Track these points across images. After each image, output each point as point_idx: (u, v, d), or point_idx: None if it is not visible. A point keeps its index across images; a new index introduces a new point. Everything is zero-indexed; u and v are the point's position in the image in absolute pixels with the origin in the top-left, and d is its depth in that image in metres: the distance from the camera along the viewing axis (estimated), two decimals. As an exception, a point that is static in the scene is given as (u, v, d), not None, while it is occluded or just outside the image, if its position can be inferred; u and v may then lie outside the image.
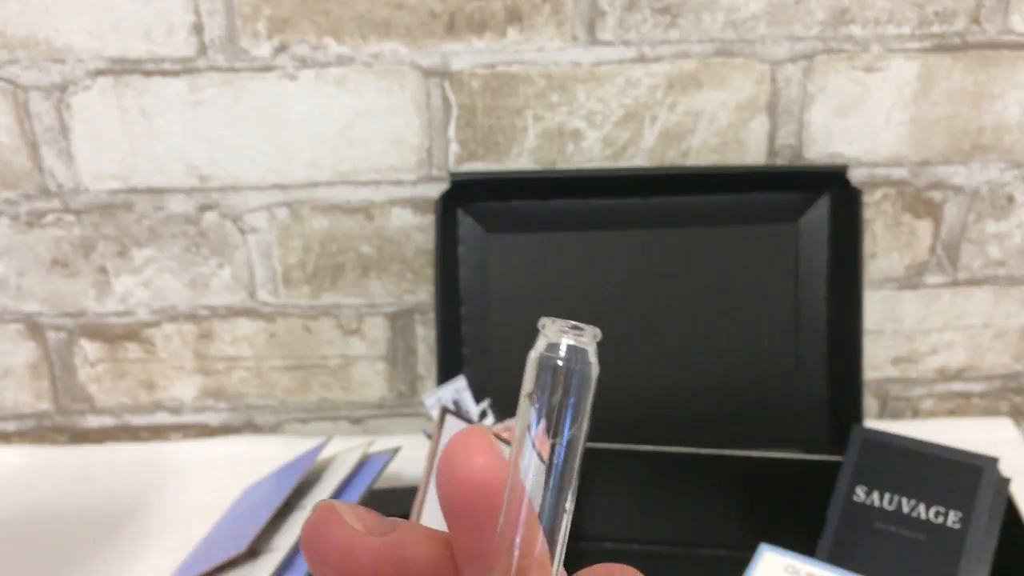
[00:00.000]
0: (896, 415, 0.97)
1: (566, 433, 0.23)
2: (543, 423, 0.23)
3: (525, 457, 0.23)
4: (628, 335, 0.85)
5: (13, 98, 0.84)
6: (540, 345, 0.23)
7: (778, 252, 0.85)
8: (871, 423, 0.91)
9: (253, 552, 0.72)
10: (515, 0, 0.81)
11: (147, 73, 0.83)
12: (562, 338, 0.23)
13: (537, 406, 0.23)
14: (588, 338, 0.23)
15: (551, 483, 0.23)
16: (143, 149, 0.86)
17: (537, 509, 0.23)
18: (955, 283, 0.92)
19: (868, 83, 0.84)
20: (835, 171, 0.83)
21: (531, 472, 0.23)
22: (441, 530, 0.25)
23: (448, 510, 0.24)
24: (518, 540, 0.23)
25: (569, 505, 0.24)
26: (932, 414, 0.97)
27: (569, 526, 0.24)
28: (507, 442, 0.24)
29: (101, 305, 0.91)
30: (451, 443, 0.24)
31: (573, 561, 0.24)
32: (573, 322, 0.23)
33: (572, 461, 0.23)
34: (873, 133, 0.86)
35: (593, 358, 0.23)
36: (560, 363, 0.23)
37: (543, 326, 0.23)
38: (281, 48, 0.82)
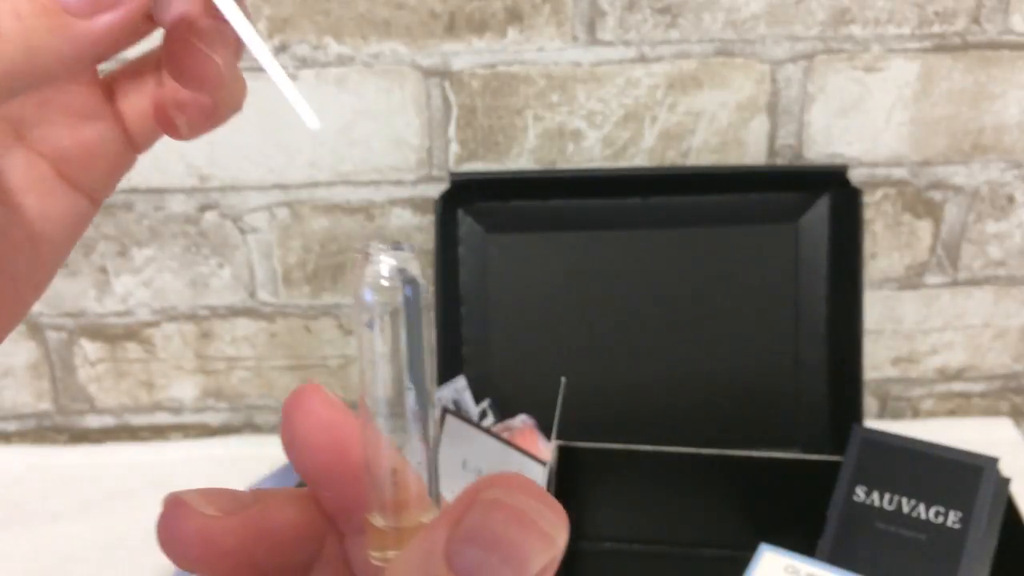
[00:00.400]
0: (896, 415, 0.97)
1: (411, 355, 0.22)
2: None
3: (377, 391, 0.22)
4: (628, 335, 0.85)
5: (13, 98, 0.83)
6: (365, 273, 0.23)
7: (778, 252, 0.85)
8: (871, 423, 0.91)
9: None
10: (515, 0, 0.81)
11: (147, 73, 0.83)
12: (382, 258, 0.22)
13: (377, 332, 0.22)
14: (408, 253, 0.23)
15: (410, 413, 0.23)
16: (143, 149, 0.85)
17: (401, 445, 0.23)
18: (955, 283, 0.92)
19: (868, 83, 0.84)
20: (835, 171, 0.83)
21: (383, 406, 0.22)
22: (304, 489, 0.24)
23: (303, 472, 0.24)
24: (389, 479, 0.22)
25: (433, 430, 0.23)
26: (932, 414, 0.97)
27: (438, 450, 0.23)
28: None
29: (101, 305, 0.91)
30: (284, 406, 0.23)
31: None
32: (392, 242, 0.23)
33: (424, 382, 0.23)
34: (873, 133, 0.86)
35: (417, 271, 0.23)
36: (386, 283, 0.22)
37: (361, 252, 0.23)
38: (281, 48, 0.82)
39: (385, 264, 0.22)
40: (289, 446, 0.24)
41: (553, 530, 0.20)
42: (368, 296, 0.22)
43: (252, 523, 0.23)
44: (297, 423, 0.23)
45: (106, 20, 0.21)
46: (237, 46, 0.26)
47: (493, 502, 0.20)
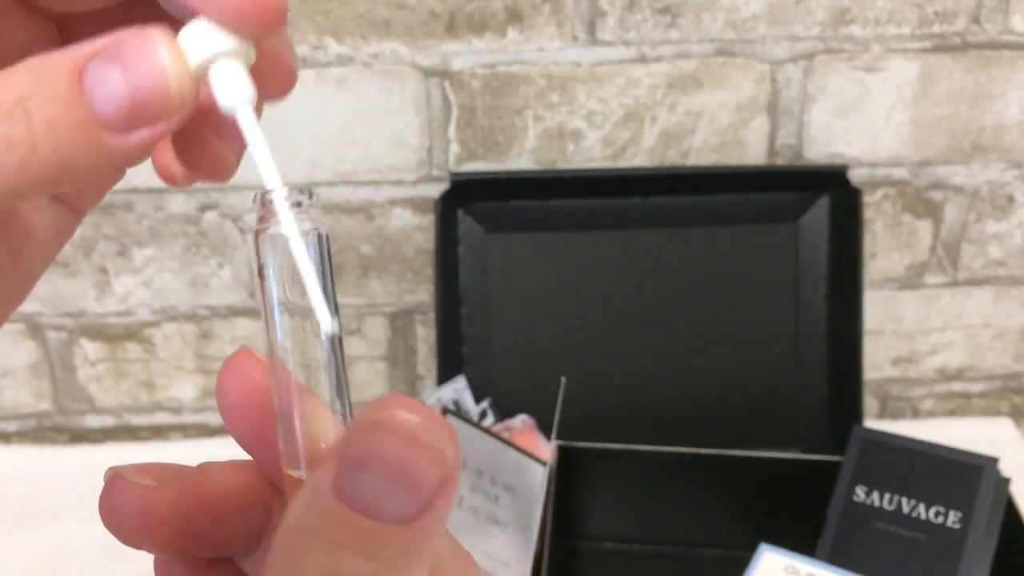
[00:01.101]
0: (896, 415, 0.97)
1: (325, 300, 0.22)
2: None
3: (282, 340, 0.22)
4: (628, 335, 0.85)
5: (13, 98, 0.83)
6: (263, 218, 0.22)
7: (778, 252, 0.85)
8: (871, 423, 0.91)
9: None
10: (515, 0, 0.81)
11: (147, 73, 0.83)
12: (281, 203, 0.22)
13: (272, 279, 0.22)
14: (308, 199, 0.22)
15: (319, 364, 0.22)
16: (143, 149, 0.85)
17: (322, 392, 0.22)
18: (955, 283, 0.92)
19: (868, 83, 0.84)
20: (835, 171, 0.83)
21: (289, 356, 0.22)
22: (250, 459, 0.24)
23: (237, 437, 0.24)
24: (300, 429, 0.22)
25: (346, 381, 0.23)
26: (932, 414, 0.97)
27: (350, 400, 0.23)
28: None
29: (101, 305, 0.91)
30: (218, 373, 0.23)
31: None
32: (294, 188, 0.22)
33: (330, 330, 0.22)
34: (873, 133, 0.86)
35: (319, 218, 0.22)
36: (284, 229, 0.22)
37: (260, 197, 0.22)
38: (281, 48, 0.82)
39: (283, 210, 0.21)
40: (223, 412, 0.23)
41: (440, 444, 0.20)
42: (265, 242, 0.22)
43: (191, 492, 0.23)
44: (229, 388, 0.23)
45: (141, 136, 0.20)
46: None
47: (372, 423, 0.20)
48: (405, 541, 0.19)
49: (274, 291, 0.22)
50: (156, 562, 0.24)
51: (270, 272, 0.22)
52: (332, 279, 0.22)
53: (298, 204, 0.22)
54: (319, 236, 0.22)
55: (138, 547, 0.23)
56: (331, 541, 0.19)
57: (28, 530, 0.83)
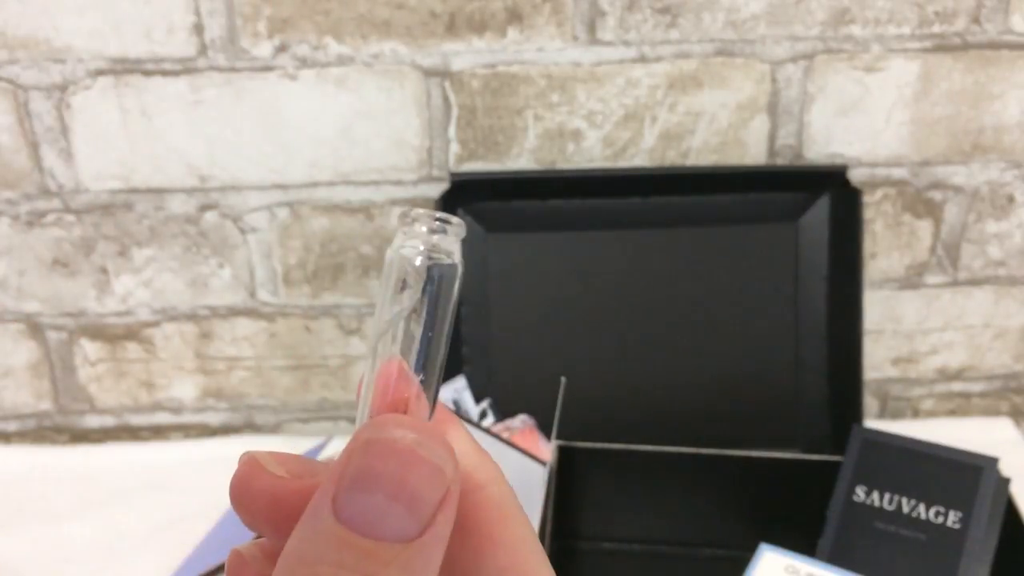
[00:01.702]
0: (896, 415, 0.97)
1: (424, 334, 0.22)
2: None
3: (376, 349, 0.22)
4: (628, 335, 0.85)
5: (13, 98, 0.84)
6: (396, 243, 0.22)
7: (778, 252, 0.85)
8: (871, 423, 0.91)
9: (253, 552, 0.71)
10: (515, 0, 0.81)
11: (147, 73, 0.83)
12: (418, 232, 0.22)
13: (386, 298, 0.22)
14: (452, 228, 0.22)
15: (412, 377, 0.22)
16: (143, 149, 0.86)
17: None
18: (955, 283, 0.92)
19: (868, 83, 0.84)
20: (835, 171, 0.83)
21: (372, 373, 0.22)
22: None
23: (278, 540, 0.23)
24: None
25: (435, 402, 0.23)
26: (932, 414, 0.97)
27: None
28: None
29: (101, 305, 0.91)
30: (230, 488, 0.23)
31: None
32: (439, 215, 0.22)
33: (435, 365, 0.23)
34: (873, 133, 0.86)
35: (455, 247, 0.22)
36: (418, 260, 0.22)
37: (404, 216, 0.22)
38: (281, 48, 0.82)
39: (421, 241, 0.22)
40: (249, 526, 0.23)
41: (438, 459, 0.20)
42: (394, 265, 0.22)
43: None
44: (246, 507, 0.23)
45: None
46: None
47: (368, 442, 0.19)
48: (408, 560, 0.19)
49: (384, 300, 0.23)
50: (231, 558, 0.23)
51: (383, 283, 0.23)
52: (443, 313, 0.23)
53: (443, 222, 0.22)
54: (445, 269, 0.22)
55: (260, 532, 0.23)
56: (333, 563, 0.19)
57: (28, 530, 0.83)
